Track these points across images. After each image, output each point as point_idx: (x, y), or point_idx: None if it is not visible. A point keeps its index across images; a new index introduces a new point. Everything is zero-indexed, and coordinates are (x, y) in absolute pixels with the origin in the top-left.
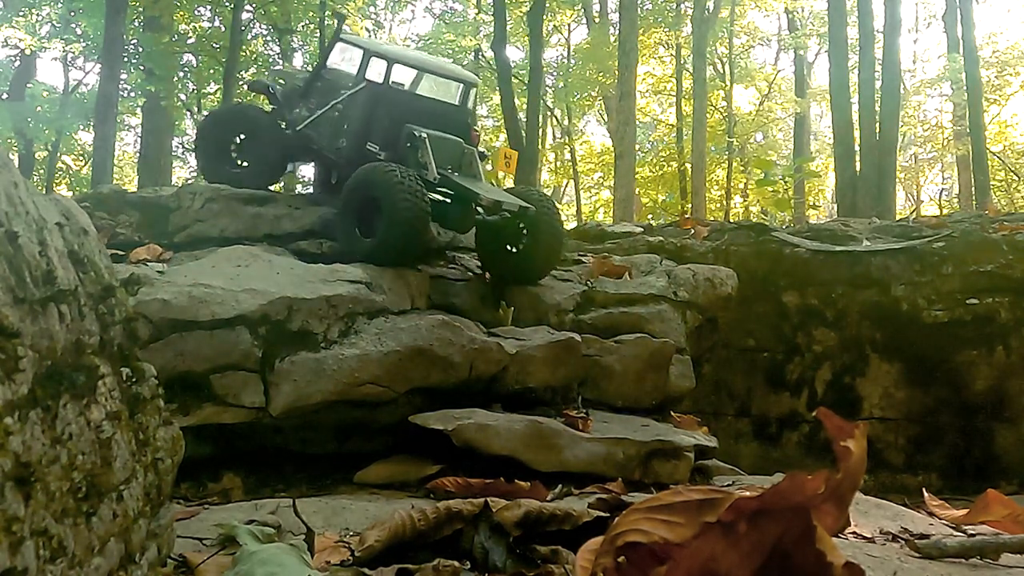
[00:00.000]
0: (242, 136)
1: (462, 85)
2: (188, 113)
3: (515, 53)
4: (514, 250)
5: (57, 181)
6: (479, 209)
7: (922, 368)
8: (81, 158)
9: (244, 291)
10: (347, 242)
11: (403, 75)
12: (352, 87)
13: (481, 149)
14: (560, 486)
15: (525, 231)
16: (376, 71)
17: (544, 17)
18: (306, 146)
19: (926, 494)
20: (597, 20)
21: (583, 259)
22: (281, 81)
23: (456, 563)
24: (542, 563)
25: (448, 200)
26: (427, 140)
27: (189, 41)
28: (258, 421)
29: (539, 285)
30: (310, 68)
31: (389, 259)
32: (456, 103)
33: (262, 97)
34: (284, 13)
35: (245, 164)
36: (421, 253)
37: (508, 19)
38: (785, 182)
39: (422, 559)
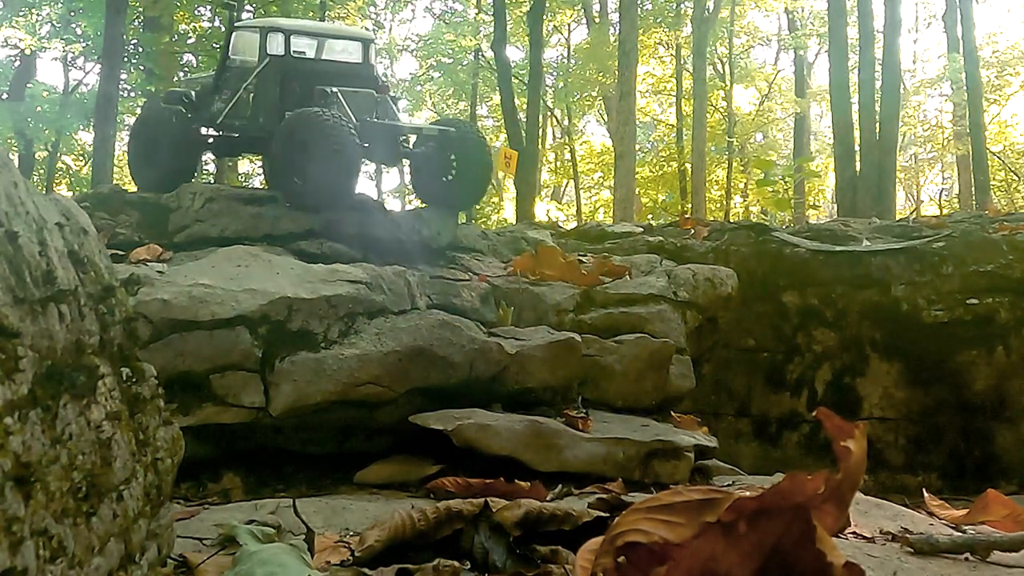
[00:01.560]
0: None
1: (361, 43)
2: None
3: (515, 53)
4: (446, 179)
5: (57, 181)
6: (405, 144)
7: (922, 368)
8: (81, 158)
9: (244, 291)
10: (283, 188)
11: (306, 46)
12: (258, 66)
13: (393, 94)
14: (560, 486)
15: (455, 162)
16: (276, 45)
17: (544, 17)
18: (229, 137)
19: (926, 494)
20: (597, 20)
21: (583, 259)
22: (196, 87)
23: (456, 563)
24: (542, 563)
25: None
26: (339, 94)
27: (189, 41)
28: (258, 421)
29: (539, 285)
30: None
31: (323, 199)
32: (359, 61)
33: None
34: (284, 13)
35: (158, 166)
36: (353, 193)
37: (508, 19)
38: (785, 182)
39: (422, 559)
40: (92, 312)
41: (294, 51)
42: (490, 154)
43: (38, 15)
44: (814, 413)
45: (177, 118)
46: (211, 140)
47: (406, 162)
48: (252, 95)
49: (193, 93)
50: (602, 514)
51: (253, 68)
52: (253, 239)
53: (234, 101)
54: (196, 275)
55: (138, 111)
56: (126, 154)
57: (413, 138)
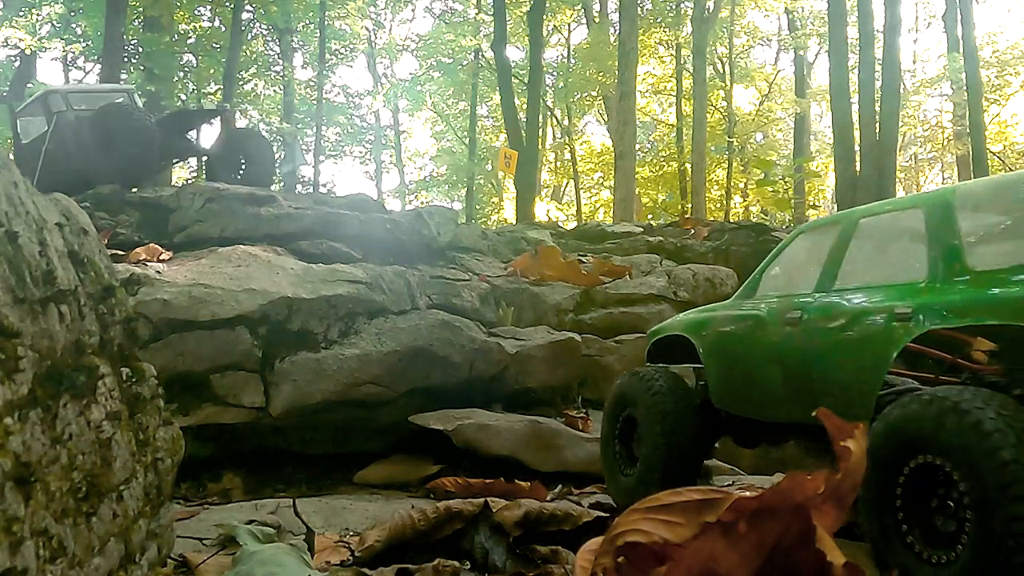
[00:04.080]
0: None
1: (126, 93)
2: None
3: (515, 53)
4: (238, 176)
5: None
6: (198, 148)
7: None
8: None
9: (244, 291)
10: (93, 173)
11: (83, 103)
12: (47, 127)
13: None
14: (560, 486)
15: (244, 160)
16: (57, 103)
17: (544, 17)
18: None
19: None
20: (597, 20)
21: (583, 259)
22: None
23: (456, 563)
24: (542, 563)
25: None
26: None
27: (189, 41)
28: (258, 421)
29: (539, 285)
30: None
31: (129, 177)
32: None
33: None
34: (284, 13)
35: None
36: (154, 172)
37: (508, 19)
38: (785, 182)
39: (422, 559)
40: (92, 312)
41: (74, 107)
42: (274, 153)
43: (38, 15)
44: (814, 413)
45: None
46: None
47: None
48: (52, 150)
49: None
50: (602, 514)
51: (47, 134)
52: (253, 239)
53: (39, 167)
54: (196, 275)
55: None
56: None
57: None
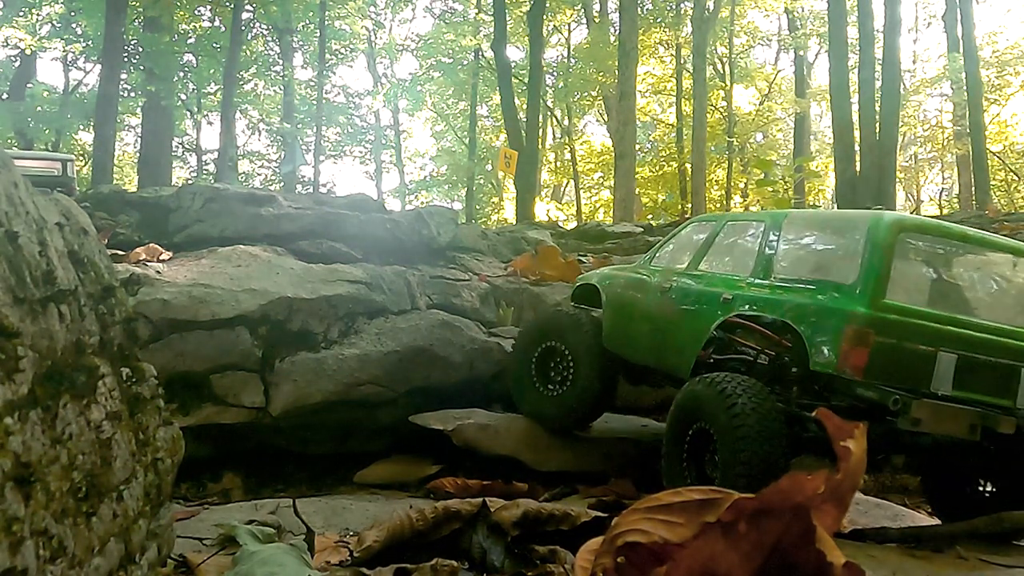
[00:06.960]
0: None
1: (60, 162)
2: (188, 113)
3: (515, 53)
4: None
5: None
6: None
7: None
8: (81, 158)
9: (244, 291)
10: None
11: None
12: None
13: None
14: (560, 486)
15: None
16: None
17: (544, 17)
18: None
19: None
20: (597, 20)
21: (583, 259)
22: None
23: (454, 562)
24: (540, 563)
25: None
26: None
27: (189, 41)
28: (258, 421)
29: (539, 285)
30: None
31: None
32: (59, 174)
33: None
34: (284, 13)
35: None
36: None
37: (508, 19)
38: (785, 182)
39: (420, 559)
40: (92, 312)
41: None
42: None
43: (38, 15)
44: (815, 413)
45: None
46: None
47: None
48: None
49: None
50: (601, 514)
51: None
52: (253, 239)
53: None
54: (196, 275)
55: (136, 109)
56: None
57: None
